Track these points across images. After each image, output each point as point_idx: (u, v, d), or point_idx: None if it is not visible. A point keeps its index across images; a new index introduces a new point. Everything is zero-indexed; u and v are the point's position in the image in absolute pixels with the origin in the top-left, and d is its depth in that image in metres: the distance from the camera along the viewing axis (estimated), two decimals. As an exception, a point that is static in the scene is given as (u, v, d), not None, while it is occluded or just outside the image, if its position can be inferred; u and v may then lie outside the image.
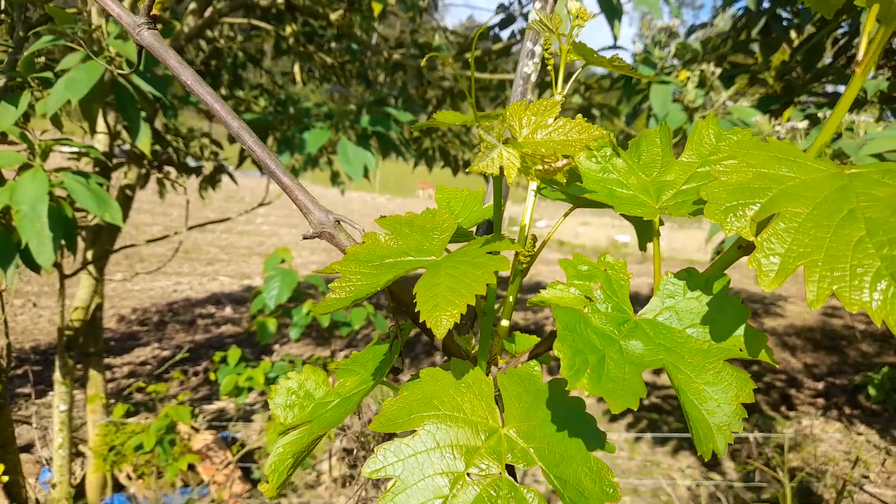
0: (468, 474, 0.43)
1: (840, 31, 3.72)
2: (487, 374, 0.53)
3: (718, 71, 2.49)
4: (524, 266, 0.51)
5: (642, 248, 0.57)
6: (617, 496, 0.45)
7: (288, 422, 0.57)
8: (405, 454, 0.44)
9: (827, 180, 0.35)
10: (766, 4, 3.86)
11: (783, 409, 4.81)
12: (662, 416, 4.62)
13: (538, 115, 0.43)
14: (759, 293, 8.95)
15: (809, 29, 3.81)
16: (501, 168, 0.41)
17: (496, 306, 0.56)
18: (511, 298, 0.55)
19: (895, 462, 3.91)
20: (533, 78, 0.84)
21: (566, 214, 0.54)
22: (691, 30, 3.95)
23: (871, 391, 4.67)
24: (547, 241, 0.52)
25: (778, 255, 0.33)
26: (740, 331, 0.41)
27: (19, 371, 5.15)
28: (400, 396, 0.46)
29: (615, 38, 2.39)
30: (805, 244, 0.32)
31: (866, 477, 3.70)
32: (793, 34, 3.91)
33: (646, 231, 0.57)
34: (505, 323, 0.55)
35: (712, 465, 3.91)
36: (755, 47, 3.76)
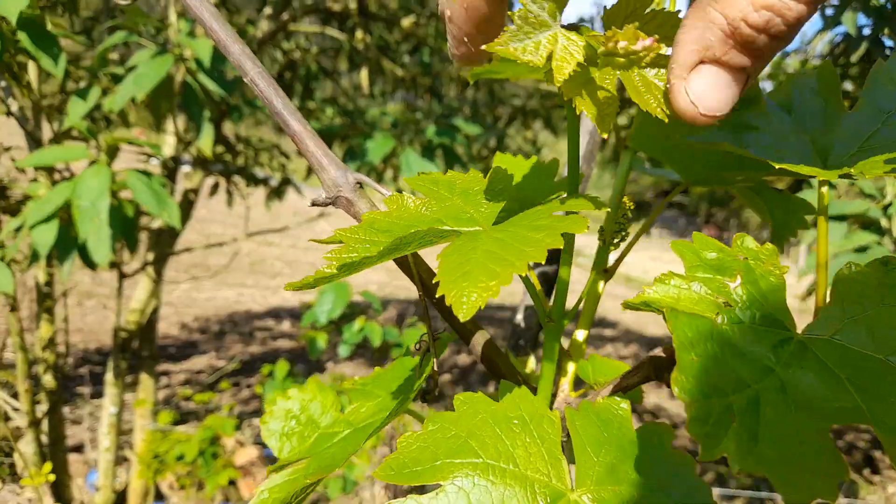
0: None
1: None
2: (552, 408, 0.38)
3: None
4: (616, 238, 0.35)
5: (780, 245, 0.41)
6: None
7: (284, 455, 0.43)
8: (423, 523, 0.29)
9: None
10: (866, 31, 3.59)
11: (867, 472, 4.38)
12: (729, 470, 4.28)
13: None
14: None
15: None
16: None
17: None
18: (591, 300, 0.39)
19: None
20: None
21: (674, 192, 0.39)
22: (784, 55, 3.72)
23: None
24: (659, 211, 0.37)
25: None
26: None
27: (82, 370, 5.25)
28: (423, 431, 0.32)
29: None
30: None
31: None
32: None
33: (791, 214, 0.41)
34: (581, 335, 0.40)
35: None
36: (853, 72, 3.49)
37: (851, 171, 0.32)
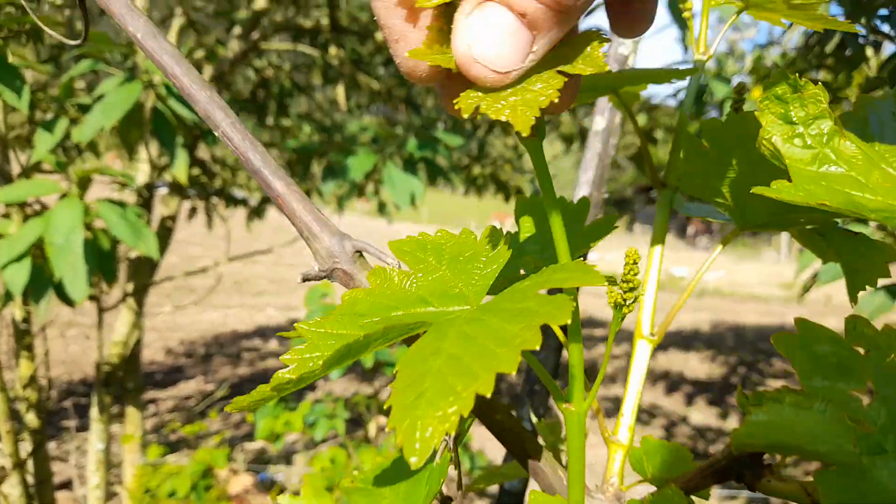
0: None
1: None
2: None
3: (802, 86, 2.23)
4: (629, 299, 0.29)
5: (853, 298, 0.36)
6: None
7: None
8: None
9: None
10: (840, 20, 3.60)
11: None
12: (733, 465, 4.24)
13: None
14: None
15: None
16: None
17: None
18: (636, 377, 0.33)
19: None
20: (631, 61, 0.64)
21: (727, 240, 0.33)
22: (761, 47, 3.71)
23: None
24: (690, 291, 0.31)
25: None
26: None
27: (67, 403, 5.12)
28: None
29: (686, 49, 2.20)
30: None
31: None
32: (869, 51, 3.64)
33: (868, 260, 0.35)
34: (628, 417, 0.34)
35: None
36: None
37: None
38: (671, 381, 5.97)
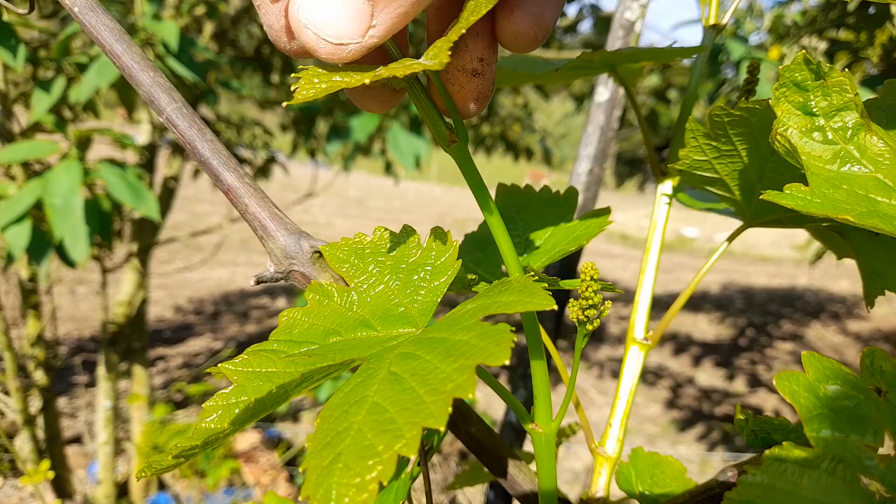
0: None
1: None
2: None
3: (822, 46, 2.15)
4: (589, 317, 0.27)
5: (870, 303, 0.32)
6: None
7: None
8: None
9: None
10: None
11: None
12: (735, 428, 4.27)
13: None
14: (839, 293, 8.36)
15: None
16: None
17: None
18: (626, 395, 0.30)
19: None
20: (638, 27, 0.59)
21: (734, 236, 0.30)
22: (780, 5, 3.59)
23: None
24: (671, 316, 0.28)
25: None
26: None
27: (77, 359, 5.19)
28: None
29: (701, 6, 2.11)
30: None
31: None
32: (894, 9, 3.51)
33: (892, 264, 0.32)
34: (616, 431, 0.31)
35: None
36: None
37: None
38: (679, 343, 5.97)
